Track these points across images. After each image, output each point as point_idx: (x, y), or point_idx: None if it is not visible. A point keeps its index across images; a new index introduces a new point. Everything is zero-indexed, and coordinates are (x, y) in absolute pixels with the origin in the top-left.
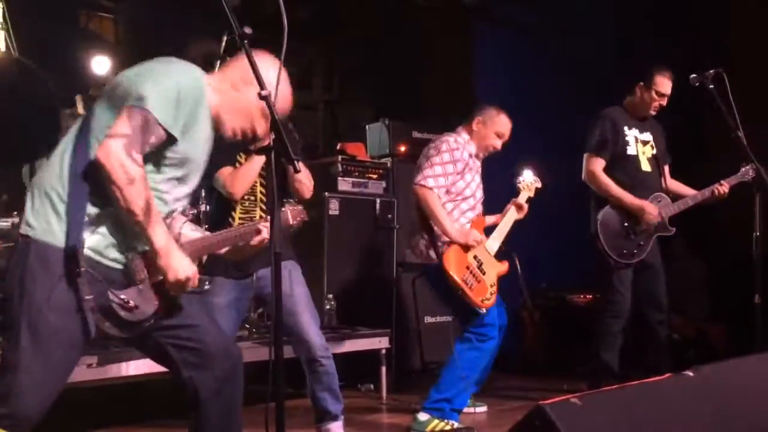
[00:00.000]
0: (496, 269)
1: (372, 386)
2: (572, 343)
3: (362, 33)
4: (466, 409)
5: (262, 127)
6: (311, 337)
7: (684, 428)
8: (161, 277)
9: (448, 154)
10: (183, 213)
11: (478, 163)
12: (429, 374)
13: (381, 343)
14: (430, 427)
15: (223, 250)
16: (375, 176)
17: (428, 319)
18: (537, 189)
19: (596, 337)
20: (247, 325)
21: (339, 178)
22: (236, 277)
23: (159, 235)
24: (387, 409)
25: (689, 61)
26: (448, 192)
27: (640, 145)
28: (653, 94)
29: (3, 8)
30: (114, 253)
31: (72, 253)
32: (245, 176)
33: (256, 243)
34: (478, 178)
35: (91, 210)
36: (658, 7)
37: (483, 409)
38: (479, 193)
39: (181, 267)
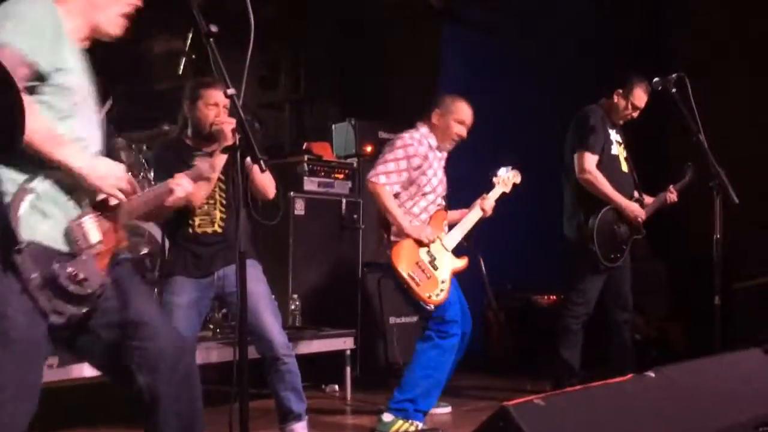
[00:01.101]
0: (451, 265)
1: (336, 387)
2: (537, 343)
3: (329, 32)
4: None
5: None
6: (273, 336)
7: (646, 428)
8: (100, 242)
9: (402, 151)
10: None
11: (440, 155)
12: (394, 375)
13: (346, 343)
14: (394, 428)
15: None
16: (341, 176)
17: (393, 320)
18: (514, 184)
19: (557, 336)
20: (211, 326)
21: (305, 178)
22: (197, 276)
23: (73, 156)
24: (351, 409)
25: (651, 64)
26: (405, 188)
27: (618, 146)
28: (629, 104)
29: None
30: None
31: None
32: (204, 184)
33: (171, 203)
34: (440, 173)
35: (9, 186)
36: (622, 10)
37: (447, 410)
38: (441, 188)
39: (110, 170)
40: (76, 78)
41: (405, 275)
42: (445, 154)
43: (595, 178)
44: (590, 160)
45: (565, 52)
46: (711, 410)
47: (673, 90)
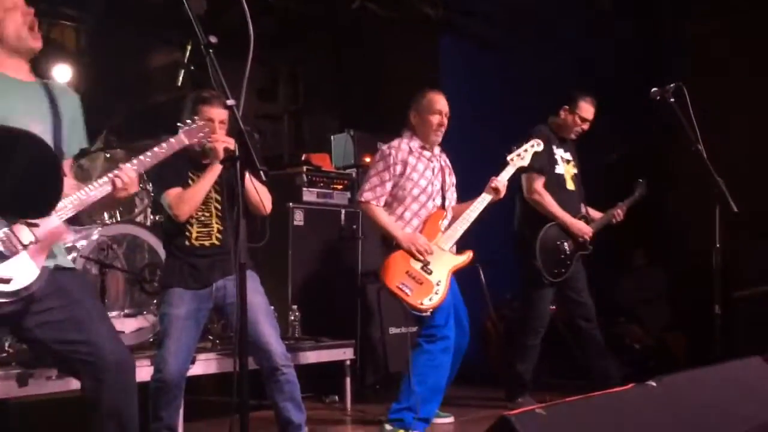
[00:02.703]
0: (447, 265)
1: (336, 398)
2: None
3: (327, 44)
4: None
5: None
6: (272, 346)
7: None
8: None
9: (382, 163)
10: None
11: (428, 155)
12: (394, 385)
13: (345, 354)
14: None
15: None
16: (340, 187)
17: (393, 330)
18: (536, 153)
19: (513, 350)
20: (211, 337)
21: (304, 189)
22: (195, 288)
23: None
24: (351, 420)
25: (650, 81)
26: (395, 197)
27: (564, 164)
28: (576, 118)
29: None
30: None
31: None
32: (192, 198)
33: (122, 196)
34: (429, 173)
35: None
36: (621, 28)
37: (449, 419)
38: (431, 188)
39: None
40: None
41: (393, 288)
42: (437, 153)
43: (542, 198)
44: (537, 181)
45: (563, 63)
46: (712, 419)
47: (672, 100)
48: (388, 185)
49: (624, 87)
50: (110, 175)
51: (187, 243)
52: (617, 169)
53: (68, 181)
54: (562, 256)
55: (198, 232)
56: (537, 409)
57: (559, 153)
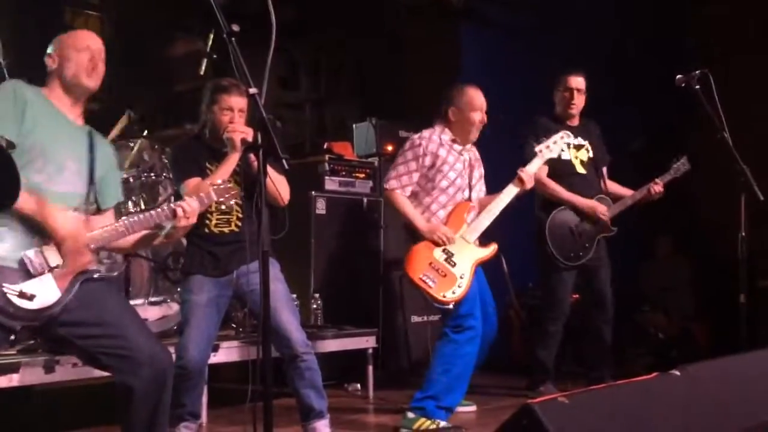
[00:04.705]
0: (471, 257)
1: (359, 386)
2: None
3: (349, 32)
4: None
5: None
6: (292, 333)
7: (670, 427)
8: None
9: (411, 152)
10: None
11: (459, 147)
12: (416, 373)
13: (368, 342)
14: (416, 426)
15: (134, 237)
16: (362, 175)
17: (415, 318)
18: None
19: (535, 336)
20: (234, 324)
21: (326, 178)
22: (214, 275)
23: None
24: (374, 408)
25: (678, 63)
26: (423, 188)
27: (573, 149)
28: (565, 93)
29: None
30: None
31: None
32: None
33: (183, 224)
34: (459, 166)
35: None
36: (649, 9)
37: (472, 408)
38: (461, 180)
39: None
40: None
41: (416, 280)
42: (469, 147)
43: (545, 186)
44: (539, 172)
45: (586, 51)
46: (736, 409)
47: (697, 87)
48: (415, 175)
49: (648, 73)
50: (171, 205)
51: (206, 230)
52: (641, 156)
53: (103, 220)
54: (578, 239)
55: (218, 219)
56: (560, 397)
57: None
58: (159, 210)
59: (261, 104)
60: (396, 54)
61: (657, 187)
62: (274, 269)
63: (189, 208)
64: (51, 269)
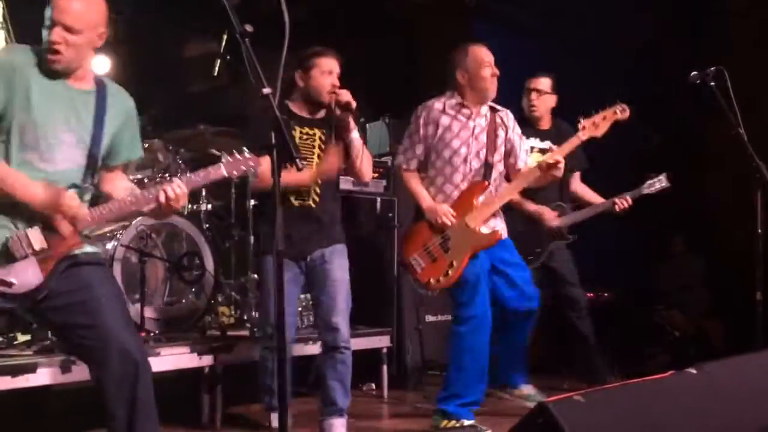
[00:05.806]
0: (468, 244)
1: (373, 385)
2: (573, 341)
3: (362, 31)
4: None
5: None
6: (340, 326)
7: (687, 425)
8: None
9: (413, 124)
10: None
11: (468, 112)
12: (430, 373)
13: (382, 341)
14: (442, 425)
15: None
16: (376, 175)
17: (429, 318)
18: (617, 122)
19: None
20: (248, 325)
21: (339, 177)
22: (290, 257)
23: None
24: (388, 408)
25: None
26: (428, 161)
27: (537, 154)
28: (526, 95)
29: (3, 6)
30: None
31: None
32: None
33: (168, 209)
34: (465, 134)
35: None
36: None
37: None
38: (465, 149)
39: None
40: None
41: (406, 260)
42: (484, 111)
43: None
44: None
45: (598, 50)
46: (753, 407)
47: (712, 83)
48: (419, 147)
49: (662, 71)
50: (157, 188)
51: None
52: (654, 154)
53: (121, 184)
54: (530, 242)
55: (294, 193)
56: (575, 396)
57: (529, 143)
58: (145, 194)
59: (275, 104)
60: (408, 53)
61: (623, 202)
62: (341, 257)
63: (173, 194)
64: (35, 252)
